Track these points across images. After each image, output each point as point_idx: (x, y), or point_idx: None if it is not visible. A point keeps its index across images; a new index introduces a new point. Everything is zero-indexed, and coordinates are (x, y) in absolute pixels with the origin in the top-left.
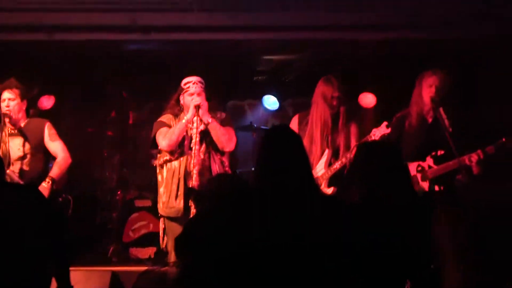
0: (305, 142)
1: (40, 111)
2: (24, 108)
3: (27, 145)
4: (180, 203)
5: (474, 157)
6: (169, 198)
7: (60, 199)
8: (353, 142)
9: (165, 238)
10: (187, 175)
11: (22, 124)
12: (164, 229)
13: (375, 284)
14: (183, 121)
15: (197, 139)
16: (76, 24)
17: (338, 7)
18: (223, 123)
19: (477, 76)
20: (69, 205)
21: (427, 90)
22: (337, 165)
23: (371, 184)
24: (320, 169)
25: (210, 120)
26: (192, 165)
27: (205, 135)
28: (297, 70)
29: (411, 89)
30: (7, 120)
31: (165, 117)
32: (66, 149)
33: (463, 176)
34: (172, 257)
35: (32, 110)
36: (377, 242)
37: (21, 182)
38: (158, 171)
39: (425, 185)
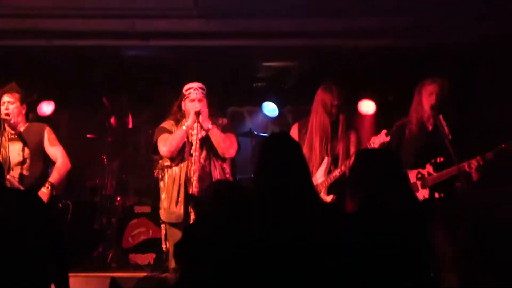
0: (305, 150)
1: (40, 117)
2: (23, 112)
3: (27, 150)
4: (180, 209)
5: (474, 164)
6: (170, 204)
7: (60, 205)
8: (353, 150)
9: (167, 244)
10: (188, 181)
11: (22, 129)
12: (166, 235)
13: (375, 285)
14: (183, 127)
15: (197, 145)
16: (75, 30)
17: (338, 13)
18: (224, 129)
19: (476, 82)
20: (68, 211)
21: (427, 98)
22: (336, 173)
23: (370, 191)
24: (319, 177)
25: (210, 126)
26: (192, 172)
27: (205, 142)
28: (297, 77)
29: (411, 95)
30: (6, 124)
31: (167, 123)
32: (65, 154)
33: (462, 183)
34: (173, 263)
35: (31, 114)
36: (377, 243)
37: (21, 187)
38: (160, 177)
39: (425, 192)
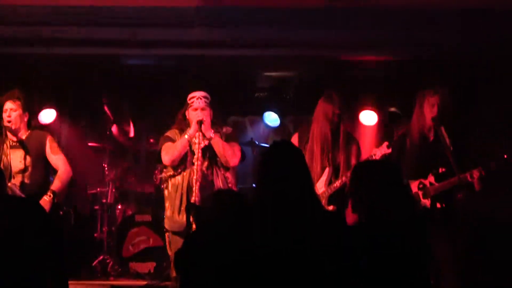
0: (306, 159)
1: (41, 124)
2: (25, 119)
3: (28, 158)
4: (183, 218)
5: (476, 174)
6: (173, 212)
7: (61, 212)
8: (353, 161)
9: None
10: (190, 190)
11: (24, 136)
12: (170, 244)
13: None
14: (186, 136)
15: (200, 154)
16: (77, 38)
17: (339, 25)
18: (228, 138)
19: (477, 92)
20: (69, 219)
21: (428, 109)
22: (337, 184)
23: (371, 202)
24: (320, 187)
25: (212, 135)
26: (194, 181)
27: (208, 150)
28: (298, 87)
29: (411, 106)
30: (8, 132)
31: (171, 132)
32: (67, 162)
33: (463, 194)
34: (174, 272)
35: (33, 122)
36: (377, 247)
37: (23, 195)
38: (164, 186)
39: (427, 202)
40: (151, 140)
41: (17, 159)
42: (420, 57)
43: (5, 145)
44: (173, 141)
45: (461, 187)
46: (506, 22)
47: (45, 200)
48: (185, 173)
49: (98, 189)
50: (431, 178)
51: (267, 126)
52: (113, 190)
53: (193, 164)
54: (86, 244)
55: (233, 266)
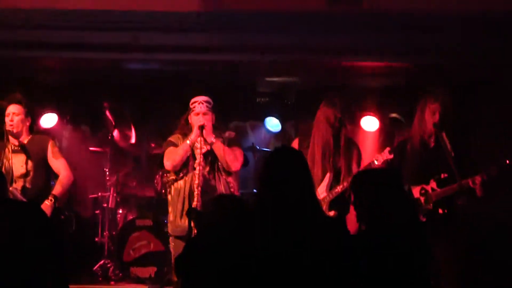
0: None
1: (43, 129)
2: (28, 124)
3: (30, 163)
4: (185, 222)
5: (478, 179)
6: (175, 217)
7: (62, 217)
8: (354, 166)
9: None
10: (192, 194)
11: (25, 141)
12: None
13: None
14: (187, 141)
15: (201, 159)
16: (78, 42)
17: (340, 30)
18: (231, 142)
19: (477, 99)
20: (70, 223)
21: (430, 116)
22: (338, 189)
23: (371, 207)
24: (321, 192)
25: (213, 140)
26: (195, 186)
27: (210, 155)
28: (299, 92)
29: (413, 111)
30: (10, 136)
31: (174, 137)
32: (68, 167)
33: (463, 200)
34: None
35: (35, 126)
36: (377, 249)
37: (24, 200)
38: (167, 191)
39: (428, 207)
40: (152, 145)
41: (18, 164)
42: (421, 62)
43: (6, 149)
44: (175, 146)
45: (462, 193)
46: (506, 26)
47: (46, 205)
48: (187, 178)
49: (99, 193)
50: (433, 184)
51: (268, 131)
52: (114, 195)
53: (194, 169)
54: (87, 248)
55: (234, 271)
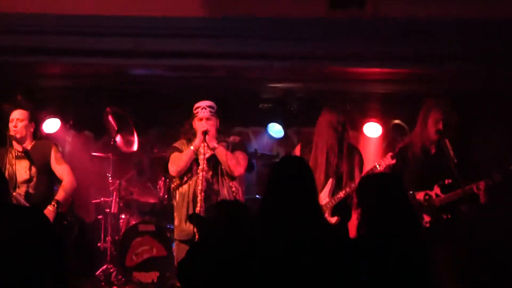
0: None
1: (46, 134)
2: (31, 130)
3: (33, 168)
4: (190, 226)
5: (482, 184)
6: (180, 221)
7: (65, 222)
8: (357, 171)
9: None
10: (196, 198)
11: (29, 147)
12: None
13: None
14: (191, 147)
15: (204, 164)
16: (82, 48)
17: (344, 37)
18: (235, 147)
19: (480, 105)
20: (74, 228)
21: (433, 123)
22: (341, 194)
23: (372, 209)
24: (323, 198)
25: (216, 145)
26: (198, 191)
27: (213, 160)
28: (302, 98)
29: (415, 117)
30: (14, 141)
31: (179, 142)
32: (71, 173)
33: (466, 207)
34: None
35: (38, 132)
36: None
37: (27, 205)
38: (172, 195)
39: (432, 213)
40: (155, 150)
41: (22, 169)
42: (423, 68)
43: (10, 155)
44: (180, 151)
45: (466, 199)
46: (508, 32)
47: (49, 210)
48: (191, 182)
49: (102, 198)
50: (437, 190)
51: (271, 137)
52: (117, 200)
53: (197, 174)
54: (90, 253)
55: (236, 275)
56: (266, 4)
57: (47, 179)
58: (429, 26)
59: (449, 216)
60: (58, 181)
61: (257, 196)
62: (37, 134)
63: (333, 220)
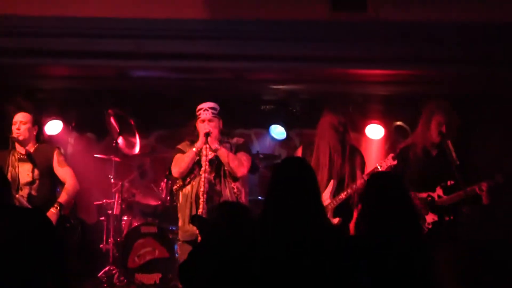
0: None
1: (48, 136)
2: (34, 133)
3: (36, 171)
4: (193, 227)
5: (484, 185)
6: (183, 222)
7: (68, 225)
8: (358, 172)
9: None
10: (199, 199)
11: (32, 150)
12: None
13: None
14: (194, 149)
15: (207, 166)
16: (83, 49)
17: (345, 40)
18: (238, 148)
19: (481, 108)
20: (76, 231)
21: (436, 126)
22: (343, 195)
23: (373, 209)
24: (325, 199)
25: (218, 146)
26: (200, 193)
27: (216, 161)
28: (305, 100)
29: (416, 119)
30: (17, 144)
31: (183, 144)
32: (74, 175)
33: (467, 208)
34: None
35: (41, 135)
36: (378, 250)
37: (30, 207)
38: (175, 196)
39: (434, 215)
40: (157, 152)
41: (25, 172)
42: (424, 70)
43: (13, 157)
44: (183, 153)
45: (467, 200)
46: (508, 36)
47: (52, 212)
48: (194, 183)
49: (104, 200)
50: (439, 191)
51: (273, 139)
52: (119, 202)
53: (200, 175)
54: (92, 255)
55: (237, 277)
56: (268, 6)
57: (49, 182)
58: (429, 29)
59: (451, 217)
60: (61, 184)
61: (260, 197)
62: (40, 137)
63: (335, 221)
